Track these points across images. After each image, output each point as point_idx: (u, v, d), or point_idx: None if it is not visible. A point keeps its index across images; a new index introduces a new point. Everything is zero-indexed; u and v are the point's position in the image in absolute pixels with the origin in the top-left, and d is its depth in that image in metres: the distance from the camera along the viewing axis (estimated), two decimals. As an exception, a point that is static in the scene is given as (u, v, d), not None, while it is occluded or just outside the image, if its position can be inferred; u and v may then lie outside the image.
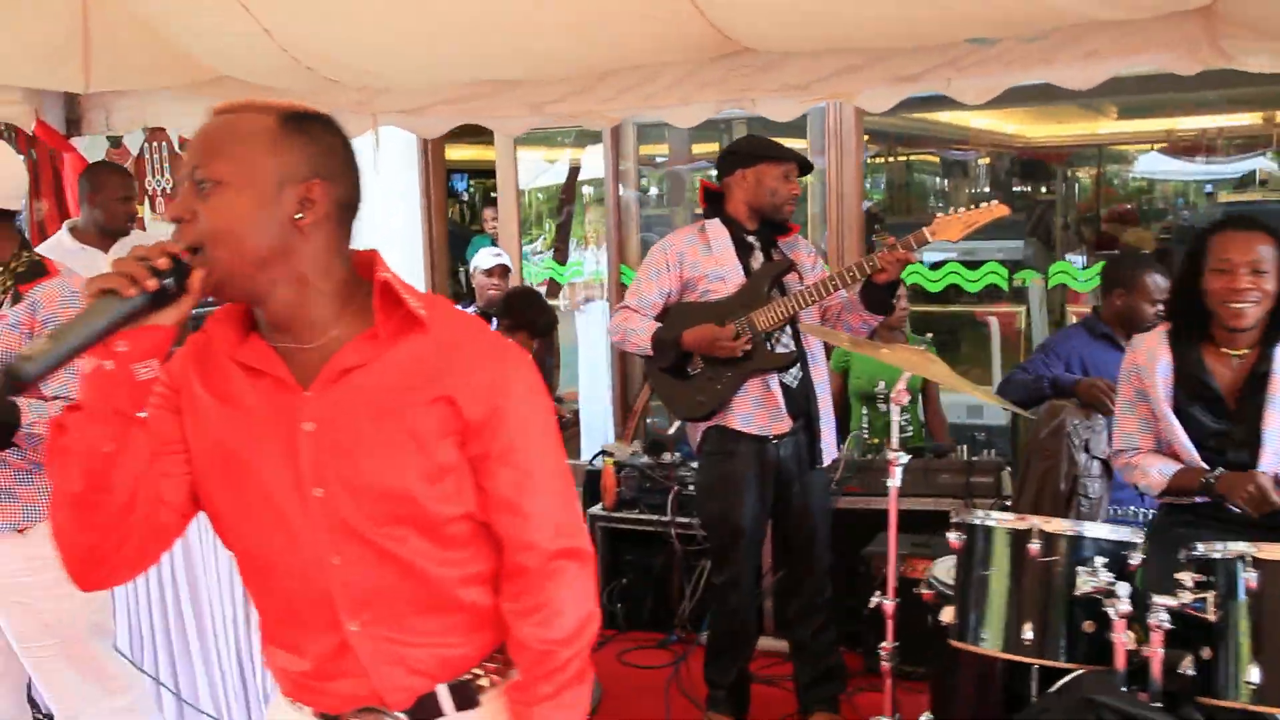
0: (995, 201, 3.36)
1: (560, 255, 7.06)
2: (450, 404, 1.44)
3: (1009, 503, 3.90)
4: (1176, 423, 2.74)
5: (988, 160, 9.42)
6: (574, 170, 7.96)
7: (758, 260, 3.61)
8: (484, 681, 1.53)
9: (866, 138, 5.90)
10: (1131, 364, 2.85)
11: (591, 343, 6.16)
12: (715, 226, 3.64)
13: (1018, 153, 9.54)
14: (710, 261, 3.60)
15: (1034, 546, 2.32)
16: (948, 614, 2.47)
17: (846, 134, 5.32)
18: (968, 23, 3.63)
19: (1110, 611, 2.19)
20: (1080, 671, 2.38)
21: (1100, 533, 2.34)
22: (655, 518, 4.40)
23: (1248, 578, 2.10)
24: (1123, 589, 2.19)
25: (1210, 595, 2.14)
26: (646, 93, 4.07)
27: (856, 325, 3.54)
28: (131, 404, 1.37)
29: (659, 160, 6.87)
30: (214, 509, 1.51)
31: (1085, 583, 2.25)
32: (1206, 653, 2.14)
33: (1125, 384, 2.86)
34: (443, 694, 1.51)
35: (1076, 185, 11.33)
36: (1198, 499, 2.73)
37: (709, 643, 3.78)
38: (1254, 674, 2.07)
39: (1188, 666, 2.13)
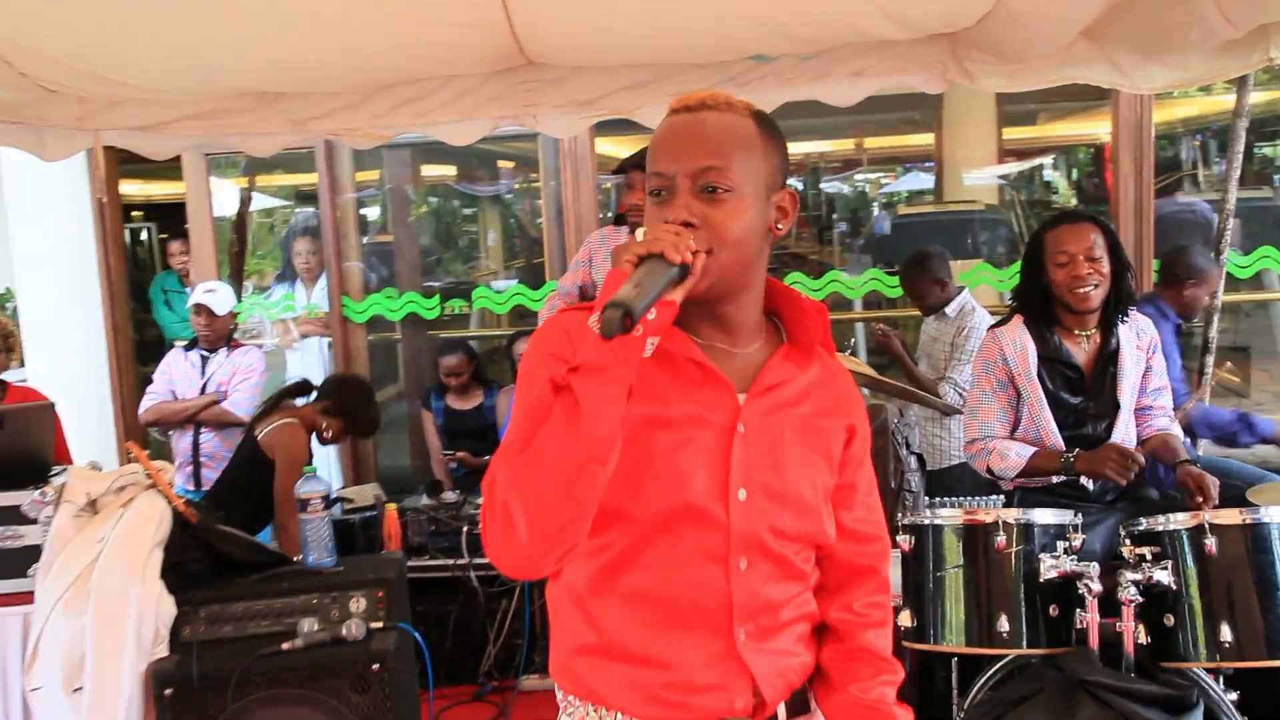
0: None
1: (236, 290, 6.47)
2: (852, 434, 1.54)
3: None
4: (1047, 405, 2.94)
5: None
6: (245, 199, 7.37)
7: None
8: (809, 692, 1.55)
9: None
10: (996, 355, 3.02)
11: (310, 383, 5.65)
12: (620, 232, 3.81)
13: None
14: (606, 267, 3.63)
15: (1002, 539, 2.37)
16: (905, 618, 2.47)
17: (582, 156, 5.31)
18: (751, 40, 3.72)
19: (1083, 592, 2.29)
20: (1009, 657, 2.48)
21: (1048, 518, 2.44)
22: (450, 561, 4.10)
23: (1208, 543, 2.26)
24: (1093, 570, 2.30)
25: (1169, 565, 2.28)
26: (424, 108, 3.80)
27: None
28: (634, 374, 1.30)
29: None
30: (613, 495, 1.37)
31: (1050, 568, 2.33)
32: (1169, 620, 2.29)
33: (987, 376, 3.03)
34: (796, 699, 1.52)
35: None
36: (1054, 479, 2.94)
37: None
38: (1226, 633, 2.23)
39: (1145, 635, 2.27)
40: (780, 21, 3.54)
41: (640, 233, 1.33)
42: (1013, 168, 9.91)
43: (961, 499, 3.87)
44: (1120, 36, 3.66)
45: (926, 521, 2.49)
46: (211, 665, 2.72)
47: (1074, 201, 11.00)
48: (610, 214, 3.98)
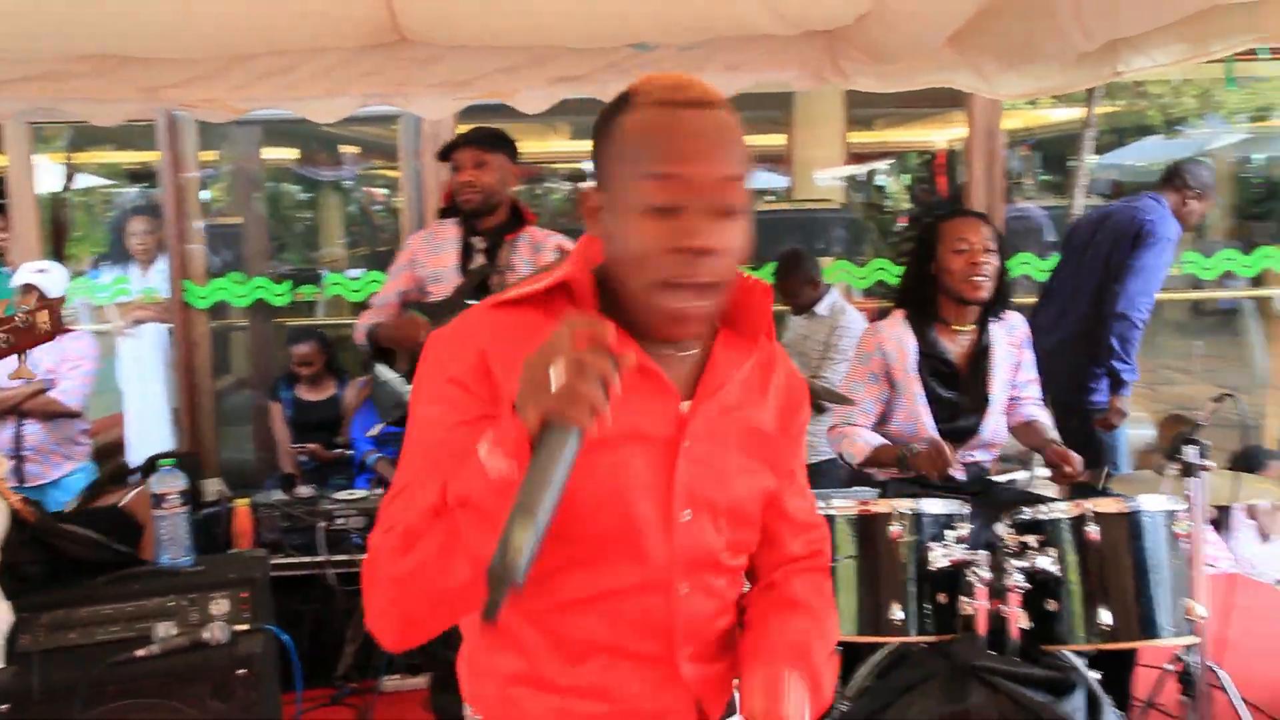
0: None
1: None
2: (799, 432, 1.45)
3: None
4: (923, 398, 3.00)
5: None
6: (69, 174, 6.90)
7: (477, 262, 3.47)
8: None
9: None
10: (874, 348, 3.06)
11: (144, 374, 5.30)
12: (445, 227, 3.57)
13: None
14: (434, 262, 3.52)
15: (897, 529, 2.40)
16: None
17: (444, 140, 5.15)
18: (635, 27, 3.68)
19: (972, 580, 2.33)
20: (891, 645, 2.51)
21: (936, 508, 2.47)
22: (306, 559, 3.90)
23: (1090, 531, 2.34)
24: (983, 558, 2.34)
25: (1053, 553, 2.35)
26: (289, 81, 3.60)
27: None
28: None
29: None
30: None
31: (942, 556, 2.37)
32: (1051, 605, 2.36)
33: (861, 367, 3.07)
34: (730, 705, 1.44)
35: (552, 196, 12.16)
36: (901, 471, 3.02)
37: (439, 673, 3.47)
38: (1105, 616, 2.31)
39: (1026, 620, 2.33)
40: (665, 11, 3.51)
41: (555, 370, 1.06)
42: (858, 169, 10.25)
43: (830, 491, 3.93)
44: (984, 44, 3.79)
45: (820, 512, 2.48)
46: (54, 677, 2.48)
47: (906, 205, 11.43)
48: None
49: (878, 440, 3.06)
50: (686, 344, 1.32)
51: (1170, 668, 2.84)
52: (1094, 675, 2.42)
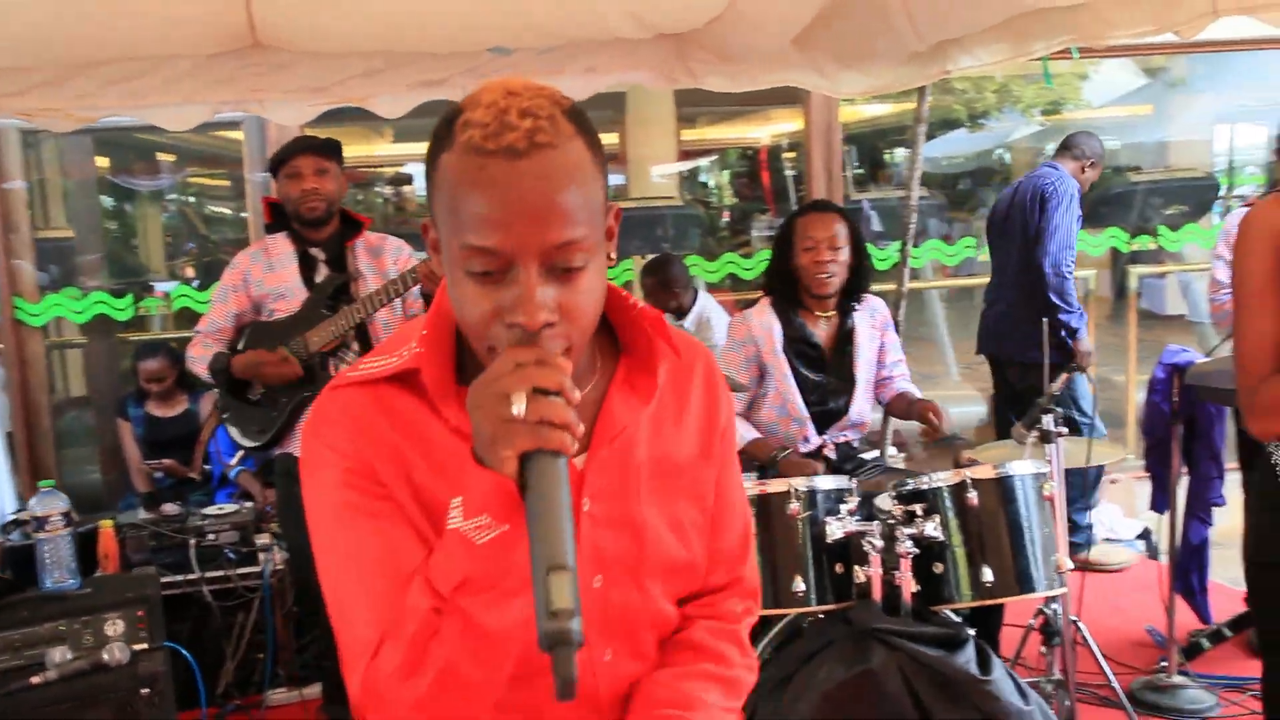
0: None
1: None
2: (723, 460, 1.31)
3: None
4: (793, 380, 3.18)
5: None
6: None
7: (322, 273, 3.39)
8: None
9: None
10: (745, 335, 3.23)
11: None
12: (277, 241, 3.41)
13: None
14: (273, 279, 3.40)
15: (795, 506, 2.55)
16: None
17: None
18: (493, 30, 3.74)
19: (868, 550, 2.50)
20: (787, 618, 2.67)
21: (829, 484, 2.64)
22: (180, 578, 3.80)
23: (970, 496, 2.55)
24: (875, 528, 2.52)
25: (936, 519, 2.55)
26: (137, 89, 3.49)
27: None
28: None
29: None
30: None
31: (836, 529, 2.53)
32: (938, 568, 2.55)
33: (732, 354, 3.24)
34: None
35: (379, 200, 12.00)
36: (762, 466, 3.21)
37: (329, 684, 3.45)
38: (988, 574, 2.52)
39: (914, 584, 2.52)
40: (523, 14, 3.59)
41: (518, 401, 0.97)
42: (686, 165, 10.49)
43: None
44: (825, 44, 4.02)
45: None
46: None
47: (730, 200, 11.79)
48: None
49: (752, 434, 3.23)
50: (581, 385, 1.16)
51: (1033, 624, 3.11)
52: (972, 631, 2.64)
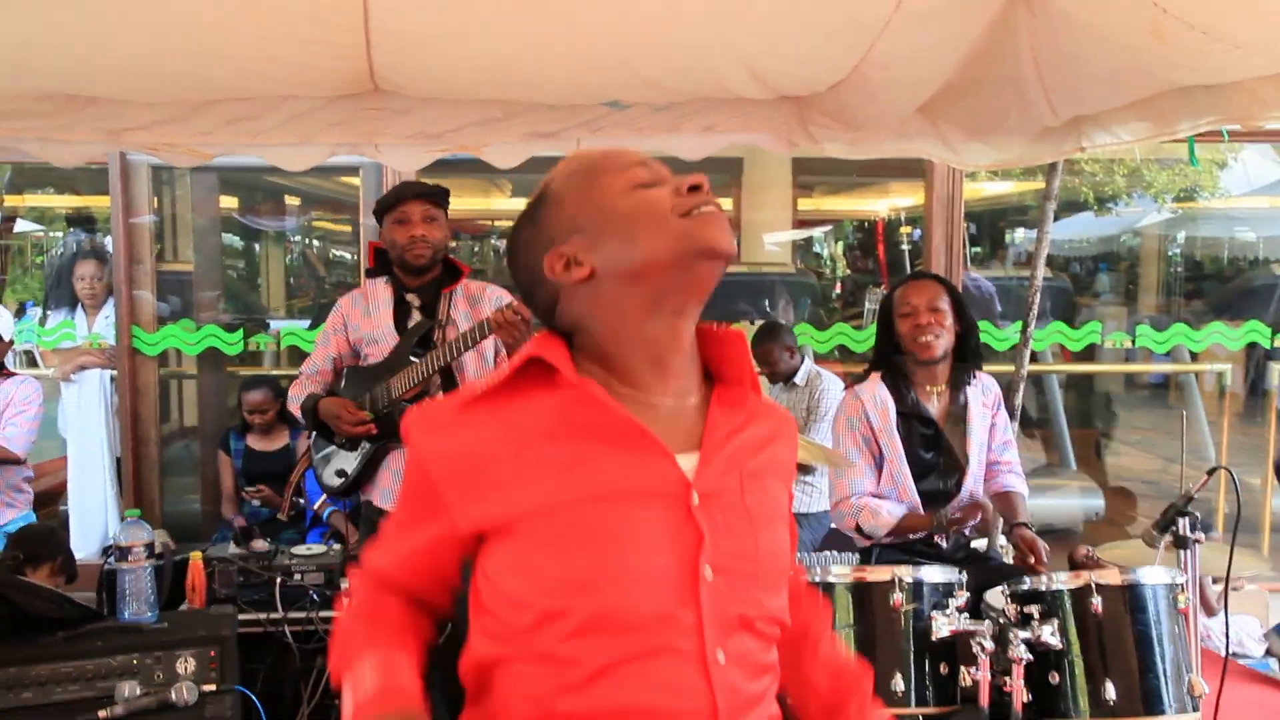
0: None
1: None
2: (790, 493, 1.41)
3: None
4: (905, 460, 3.01)
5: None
6: (8, 219, 6.73)
7: (414, 319, 3.38)
8: None
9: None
10: (857, 413, 3.08)
11: (87, 421, 5.13)
12: (375, 286, 3.44)
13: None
14: (368, 324, 3.43)
15: (899, 597, 2.37)
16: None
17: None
18: (609, 85, 3.70)
19: (976, 650, 2.30)
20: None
21: (937, 576, 2.45)
22: (262, 615, 3.76)
23: (1094, 603, 2.33)
24: (987, 628, 2.32)
25: (1055, 624, 2.33)
26: (256, 129, 3.54)
27: None
28: None
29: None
30: (555, 600, 1.19)
31: (943, 626, 2.34)
32: (1054, 678, 2.34)
33: (851, 433, 3.08)
34: None
35: (495, 253, 12.14)
36: (912, 537, 3.01)
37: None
38: (1110, 690, 2.29)
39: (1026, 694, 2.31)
40: (641, 70, 3.54)
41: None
42: (800, 234, 10.40)
43: (821, 555, 3.92)
44: (952, 114, 3.88)
45: (816, 579, 2.45)
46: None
47: (845, 271, 11.62)
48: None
49: (902, 509, 3.06)
50: (685, 395, 1.30)
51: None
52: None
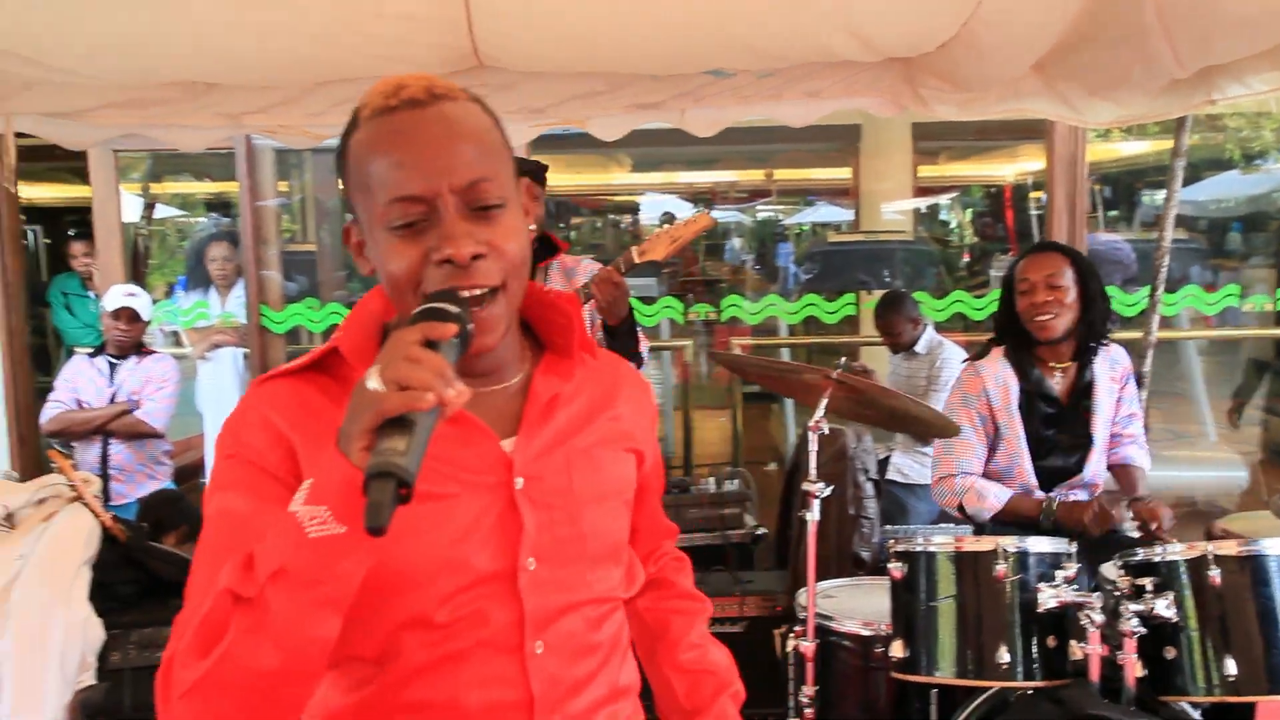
0: (701, 212, 3.20)
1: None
2: (641, 460, 1.34)
3: (761, 531, 3.96)
4: (1025, 441, 2.92)
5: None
6: (150, 204, 7.07)
7: None
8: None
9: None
10: (976, 390, 2.98)
11: (221, 398, 5.37)
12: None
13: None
14: None
15: (1002, 568, 2.31)
16: (896, 648, 2.39)
17: (518, 167, 5.18)
18: (712, 54, 3.67)
19: (1085, 623, 2.23)
20: (992, 690, 2.41)
21: (1043, 547, 2.37)
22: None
23: (1212, 575, 2.22)
24: (1096, 600, 2.25)
25: (1170, 596, 2.23)
26: (362, 107, 3.62)
27: None
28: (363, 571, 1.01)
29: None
30: (372, 598, 1.09)
31: (1050, 598, 2.27)
32: (1170, 652, 2.24)
33: (966, 410, 2.99)
34: None
35: (614, 227, 12.20)
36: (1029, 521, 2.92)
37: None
38: (1230, 666, 2.19)
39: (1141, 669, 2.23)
40: (743, 36, 3.49)
41: (371, 376, 0.94)
42: (925, 202, 10.16)
43: (925, 528, 3.86)
44: (1070, 71, 3.71)
45: (919, 549, 2.40)
46: (145, 694, 2.48)
47: (971, 239, 11.30)
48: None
49: (1007, 492, 2.97)
50: (505, 375, 1.22)
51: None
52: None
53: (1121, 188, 12.26)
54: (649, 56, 3.67)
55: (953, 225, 12.01)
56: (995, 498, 2.92)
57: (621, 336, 2.98)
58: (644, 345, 3.09)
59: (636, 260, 3.01)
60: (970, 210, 11.89)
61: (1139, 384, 4.46)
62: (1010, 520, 2.92)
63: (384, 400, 0.92)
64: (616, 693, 1.27)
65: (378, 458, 0.90)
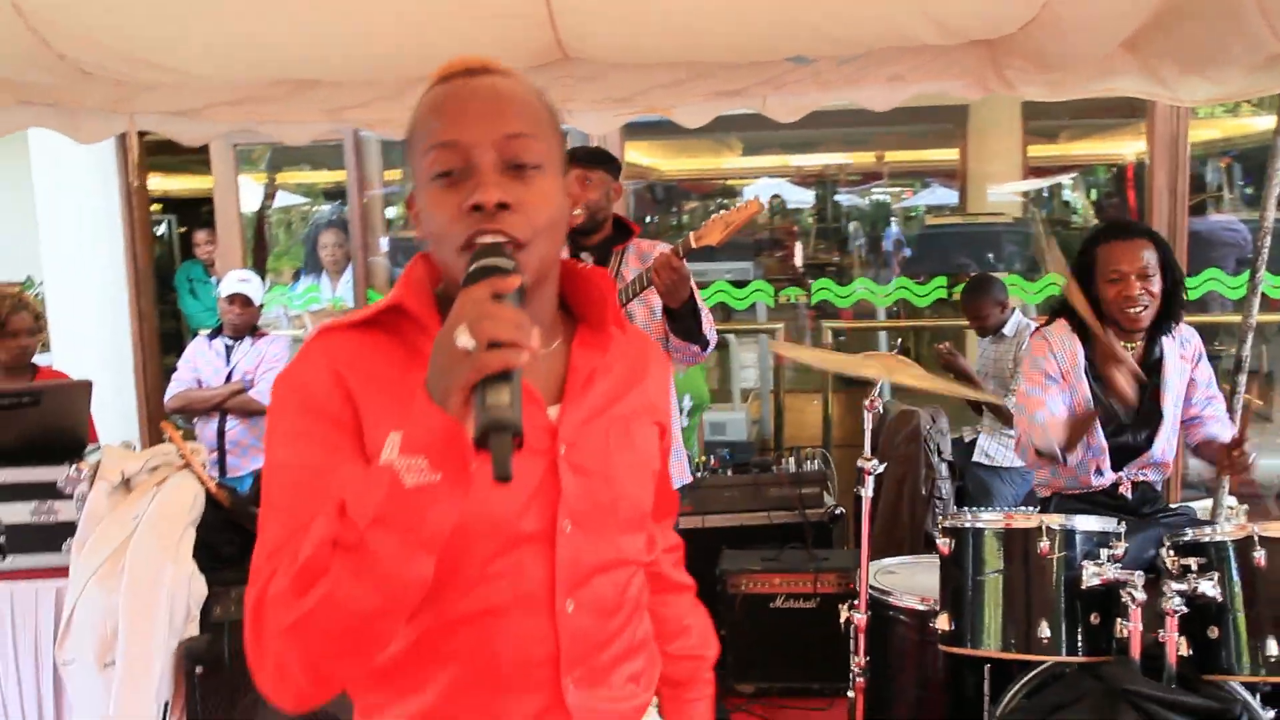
0: (753, 199, 3.21)
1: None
2: (663, 433, 1.39)
3: (839, 511, 4.00)
4: (1094, 405, 2.90)
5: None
6: (269, 194, 7.42)
7: None
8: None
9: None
10: (1044, 352, 2.95)
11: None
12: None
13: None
14: None
15: (1045, 544, 2.34)
16: (943, 622, 2.45)
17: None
18: (791, 40, 3.72)
19: (1126, 601, 2.25)
20: (1044, 664, 2.44)
21: (1090, 525, 2.40)
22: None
23: (1257, 556, 2.22)
24: (1138, 578, 2.26)
25: (1215, 576, 2.24)
26: (458, 100, 3.79)
27: (679, 358, 3.29)
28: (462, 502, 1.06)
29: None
30: None
31: (1093, 575, 2.30)
32: (1214, 632, 2.25)
33: (1035, 372, 2.95)
34: None
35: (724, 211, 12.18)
36: (1090, 480, 2.90)
37: None
38: (1273, 647, 2.19)
39: (1186, 647, 2.24)
40: (821, 23, 3.54)
41: (462, 334, 0.98)
42: (1035, 184, 9.92)
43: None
44: (1161, 48, 3.64)
45: (967, 525, 2.44)
46: (243, 645, 2.71)
47: (1093, 221, 10.97)
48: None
49: (1063, 409, 2.90)
50: (544, 345, 1.22)
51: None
52: (1269, 714, 2.30)
53: (1254, 165, 11.73)
54: (730, 45, 3.74)
55: (1076, 206, 11.69)
56: (1048, 416, 2.83)
57: (683, 319, 3.06)
58: (708, 327, 3.15)
59: (694, 245, 3.07)
60: (1095, 191, 11.54)
61: (1237, 368, 4.34)
62: (1076, 434, 2.85)
63: (483, 357, 0.96)
64: (634, 648, 1.33)
65: (492, 412, 0.95)
